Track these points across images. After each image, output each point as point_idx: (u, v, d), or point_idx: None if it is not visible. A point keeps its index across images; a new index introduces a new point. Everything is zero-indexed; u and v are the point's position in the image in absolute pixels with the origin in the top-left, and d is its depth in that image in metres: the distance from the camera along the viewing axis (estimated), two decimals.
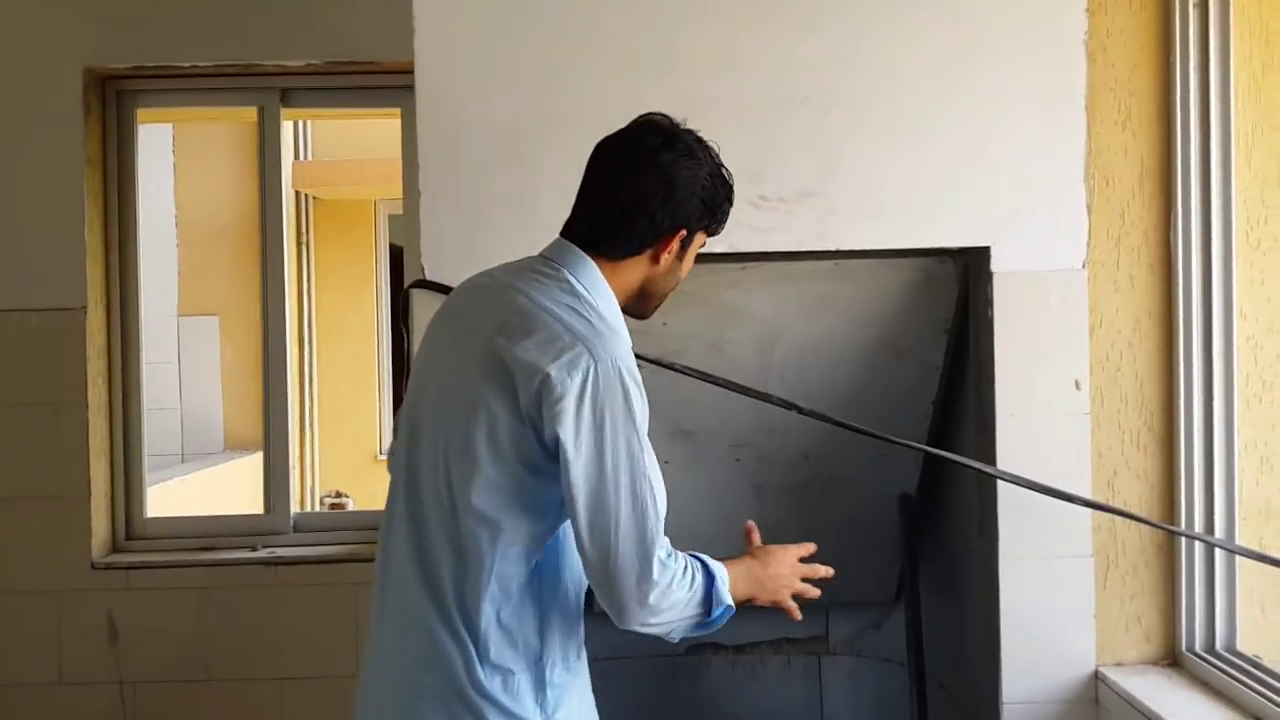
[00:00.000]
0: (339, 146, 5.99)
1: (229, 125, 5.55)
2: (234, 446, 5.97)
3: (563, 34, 2.21)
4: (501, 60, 2.20)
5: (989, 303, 2.29)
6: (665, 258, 1.69)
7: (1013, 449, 2.26)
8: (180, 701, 3.32)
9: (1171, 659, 2.32)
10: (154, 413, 6.02)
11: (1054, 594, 2.27)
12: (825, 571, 1.73)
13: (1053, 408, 2.26)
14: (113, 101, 3.34)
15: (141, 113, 3.39)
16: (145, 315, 5.94)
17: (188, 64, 3.24)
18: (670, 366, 2.27)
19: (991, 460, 2.27)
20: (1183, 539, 2.28)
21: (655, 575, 1.53)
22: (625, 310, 1.72)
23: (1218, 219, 2.26)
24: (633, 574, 1.52)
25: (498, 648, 1.57)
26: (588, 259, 1.66)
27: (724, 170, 1.73)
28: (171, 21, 3.19)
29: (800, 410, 2.25)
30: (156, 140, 5.82)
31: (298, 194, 5.81)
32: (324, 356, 5.99)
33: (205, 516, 3.60)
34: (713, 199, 1.70)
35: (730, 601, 1.60)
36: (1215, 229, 2.26)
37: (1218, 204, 2.26)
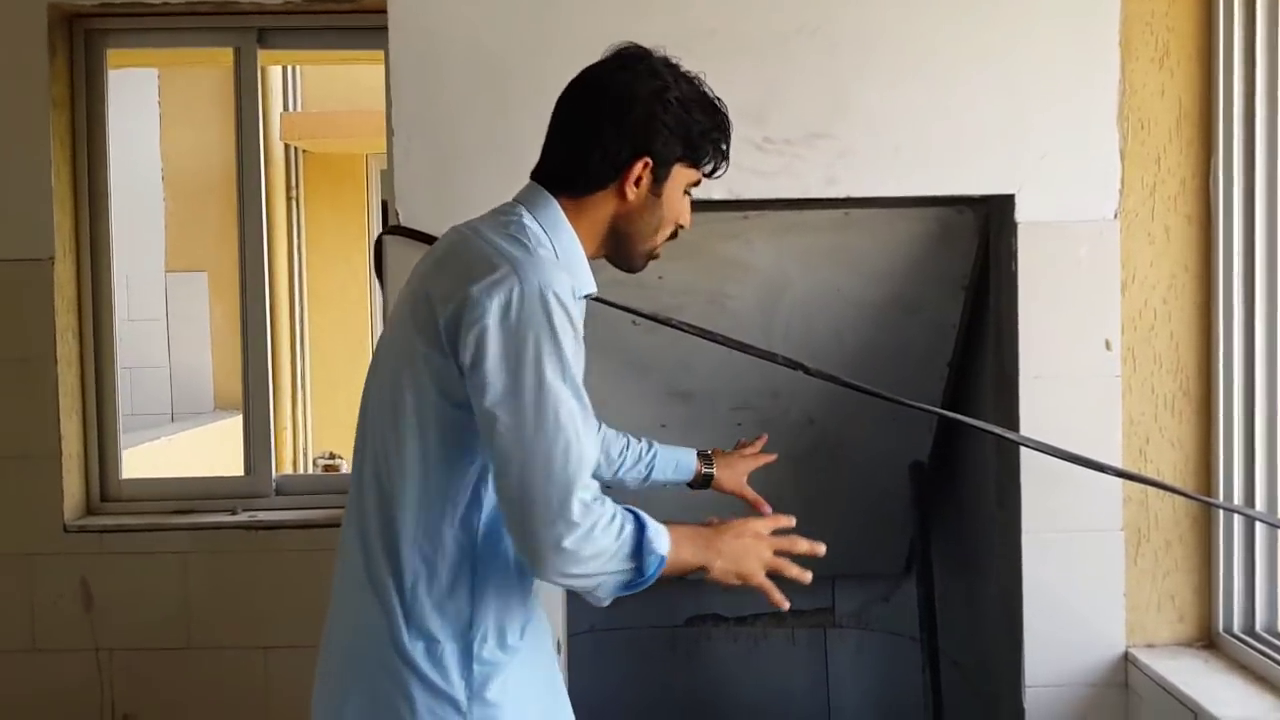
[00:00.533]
0: (330, 98, 5.78)
1: (217, 75, 5.35)
2: (224, 406, 5.83)
3: None
4: None
5: (1013, 256, 2.11)
6: (633, 191, 1.53)
7: (1038, 414, 2.09)
8: (160, 669, 3.19)
9: (1207, 640, 2.17)
10: (142, 371, 5.96)
11: (1081, 570, 2.12)
12: (807, 547, 1.48)
13: (1081, 370, 2.10)
14: (80, 41, 3.15)
15: (112, 54, 3.19)
16: (131, 271, 5.90)
17: (159, 1, 3.04)
18: (666, 322, 2.10)
19: (1014, 426, 2.10)
20: (1220, 512, 2.13)
21: (575, 517, 1.35)
22: (610, 259, 1.59)
23: (1261, 166, 2.08)
24: (549, 515, 1.36)
25: (423, 612, 1.46)
26: (550, 198, 1.55)
27: (708, 97, 1.56)
28: None
29: (807, 370, 2.08)
30: (142, 90, 5.64)
31: (286, 147, 5.62)
32: (316, 314, 5.83)
33: (183, 478, 3.45)
34: (685, 125, 1.53)
35: (663, 551, 1.39)
36: (1259, 177, 2.09)
37: (1262, 150, 2.08)
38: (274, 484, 3.33)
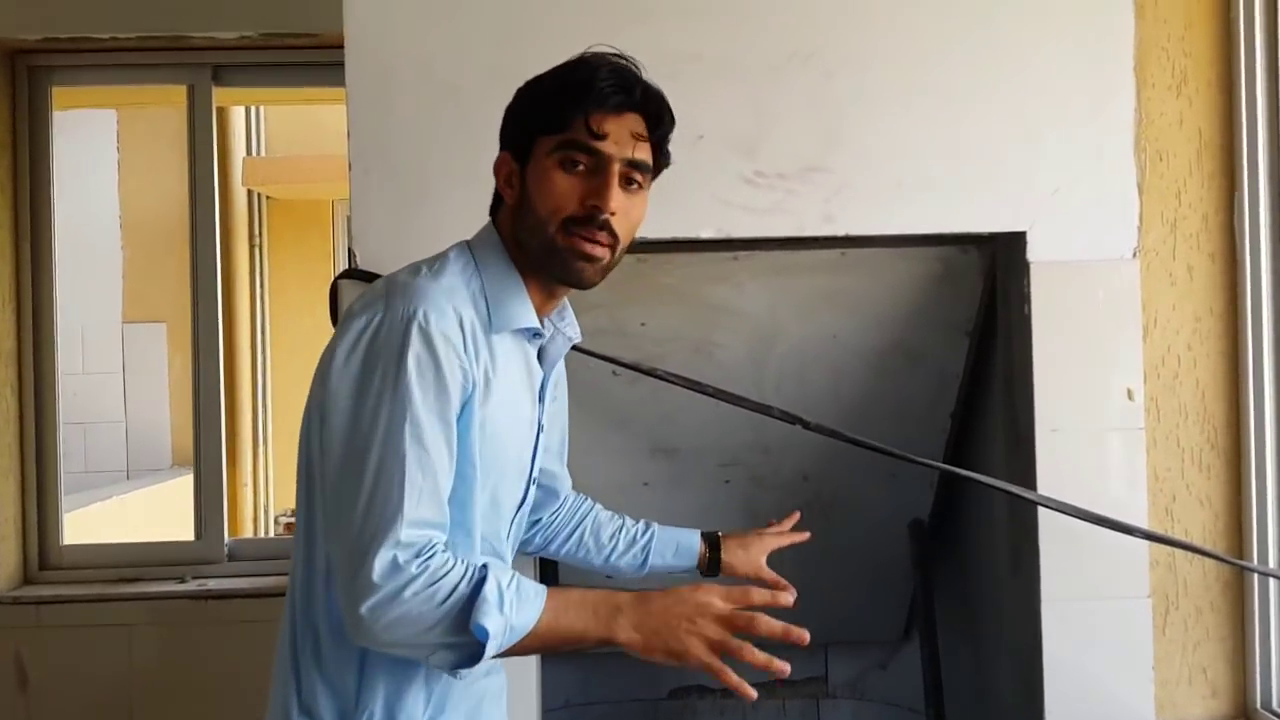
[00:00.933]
0: (294, 142, 5.62)
1: (178, 116, 5.16)
2: (183, 462, 5.59)
3: None
4: (444, 12, 1.85)
5: (1025, 299, 1.94)
6: (509, 191, 1.40)
7: (1056, 470, 1.91)
8: None
9: (1243, 717, 2.00)
10: (97, 426, 5.71)
11: (1105, 641, 1.93)
12: (778, 630, 1.23)
13: (1102, 422, 1.93)
14: (24, 78, 2.98)
15: (58, 92, 3.03)
16: (87, 321, 5.69)
17: (106, 36, 2.88)
18: (650, 373, 1.92)
19: (1030, 483, 1.93)
20: (1255, 576, 1.95)
21: (375, 577, 1.17)
22: (545, 277, 1.40)
23: None
24: (347, 573, 1.20)
25: (312, 687, 1.32)
26: (490, 225, 1.44)
27: (573, 60, 1.39)
28: None
29: (806, 425, 1.90)
30: (99, 132, 5.46)
31: (249, 193, 5.43)
32: (279, 366, 5.62)
33: (129, 544, 3.23)
34: (530, 96, 1.39)
35: (489, 624, 1.18)
36: None
37: None
38: (227, 549, 3.12)
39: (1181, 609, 1.97)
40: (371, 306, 1.29)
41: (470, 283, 1.35)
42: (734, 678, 1.21)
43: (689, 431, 2.32)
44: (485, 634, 1.17)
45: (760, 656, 1.21)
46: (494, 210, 1.44)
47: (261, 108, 5.50)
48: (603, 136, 1.32)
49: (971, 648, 2.50)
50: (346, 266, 1.89)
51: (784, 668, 1.20)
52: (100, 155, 5.54)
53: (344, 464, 1.24)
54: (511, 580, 1.22)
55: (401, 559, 1.18)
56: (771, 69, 1.91)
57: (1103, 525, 1.85)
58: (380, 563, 1.17)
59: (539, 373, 1.45)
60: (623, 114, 1.34)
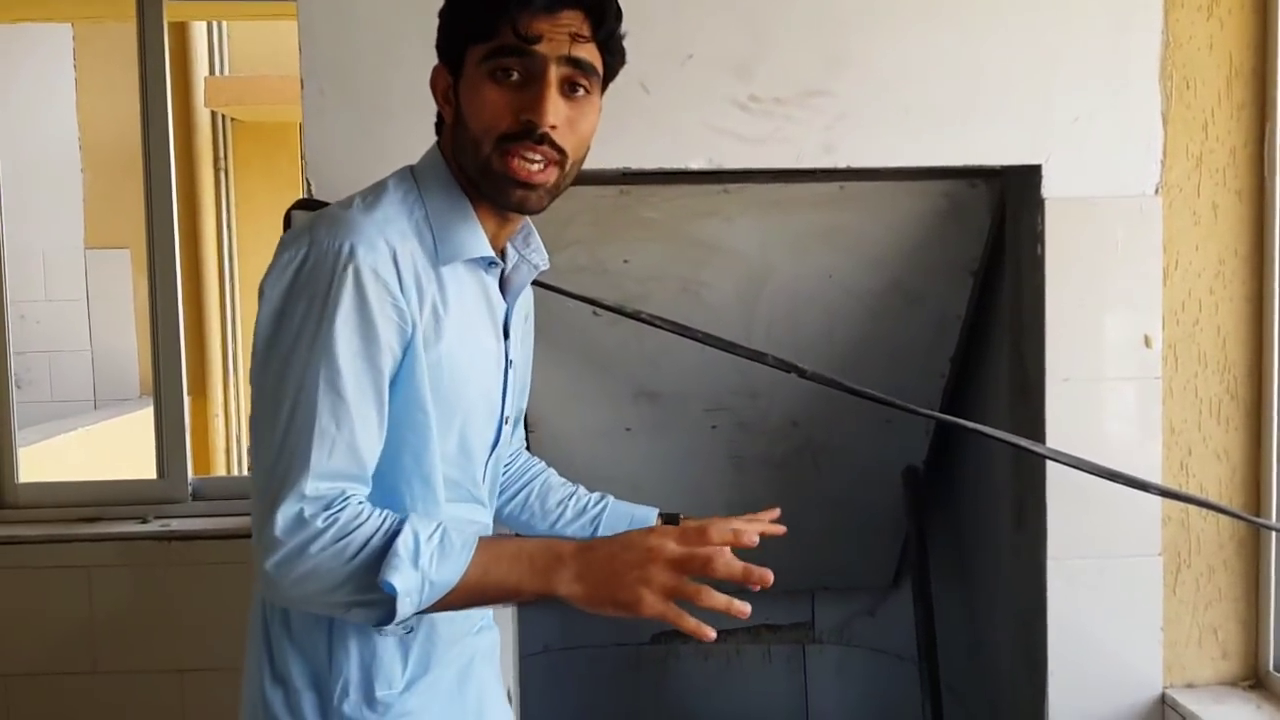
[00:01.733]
0: (261, 61, 5.36)
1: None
2: (151, 392, 5.44)
3: None
4: None
5: (1037, 238, 1.81)
6: (447, 108, 1.25)
7: (1066, 422, 1.80)
8: (63, 697, 2.88)
9: (1254, 679, 1.91)
10: (61, 355, 5.54)
11: (1113, 601, 1.84)
12: (736, 572, 1.09)
13: (1117, 371, 1.81)
14: None
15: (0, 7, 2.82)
16: (48, 247, 5.48)
17: None
18: (634, 316, 1.78)
19: (1038, 435, 1.81)
20: (1271, 534, 1.85)
21: (279, 531, 1.08)
22: (484, 197, 1.24)
23: None
24: (258, 522, 1.11)
25: (283, 653, 1.24)
26: (435, 149, 1.29)
27: None
28: None
29: (802, 373, 1.78)
30: (56, 50, 5.20)
31: (213, 114, 5.20)
32: (249, 294, 5.44)
33: (88, 482, 3.09)
34: (457, 2, 1.23)
35: (400, 583, 1.07)
36: None
37: None
38: (190, 488, 2.99)
39: (1193, 567, 1.87)
40: (297, 240, 1.17)
41: (413, 211, 1.22)
42: (690, 622, 1.08)
43: (673, 375, 2.20)
44: (394, 590, 1.07)
45: (719, 599, 1.07)
46: (438, 130, 1.29)
47: (224, 24, 5.23)
48: (535, 39, 1.15)
49: (964, 599, 2.41)
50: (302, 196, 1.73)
51: (744, 609, 1.07)
52: (58, 74, 5.29)
53: (259, 410, 1.14)
54: (435, 532, 1.11)
55: (307, 512, 1.08)
56: None
57: (1115, 480, 1.74)
58: (284, 517, 1.08)
59: (502, 304, 1.31)
60: (557, 12, 1.16)
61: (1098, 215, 1.79)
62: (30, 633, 2.84)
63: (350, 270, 1.12)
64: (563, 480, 1.58)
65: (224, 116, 5.35)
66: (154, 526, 2.88)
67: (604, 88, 1.25)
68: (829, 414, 2.25)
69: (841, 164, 1.77)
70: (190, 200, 5.11)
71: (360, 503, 1.12)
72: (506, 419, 1.35)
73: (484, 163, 1.18)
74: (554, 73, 1.16)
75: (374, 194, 1.22)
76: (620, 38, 1.24)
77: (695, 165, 1.75)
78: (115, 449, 4.65)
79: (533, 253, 1.34)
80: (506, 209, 1.23)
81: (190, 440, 4.83)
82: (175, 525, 2.88)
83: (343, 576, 1.09)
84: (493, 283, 1.29)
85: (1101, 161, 1.79)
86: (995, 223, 1.99)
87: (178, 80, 5.01)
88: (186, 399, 3.01)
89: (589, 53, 1.19)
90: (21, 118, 4.97)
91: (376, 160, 1.60)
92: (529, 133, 1.16)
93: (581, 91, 1.20)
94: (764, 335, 2.09)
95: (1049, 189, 1.79)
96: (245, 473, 5.33)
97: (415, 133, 1.62)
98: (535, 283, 1.41)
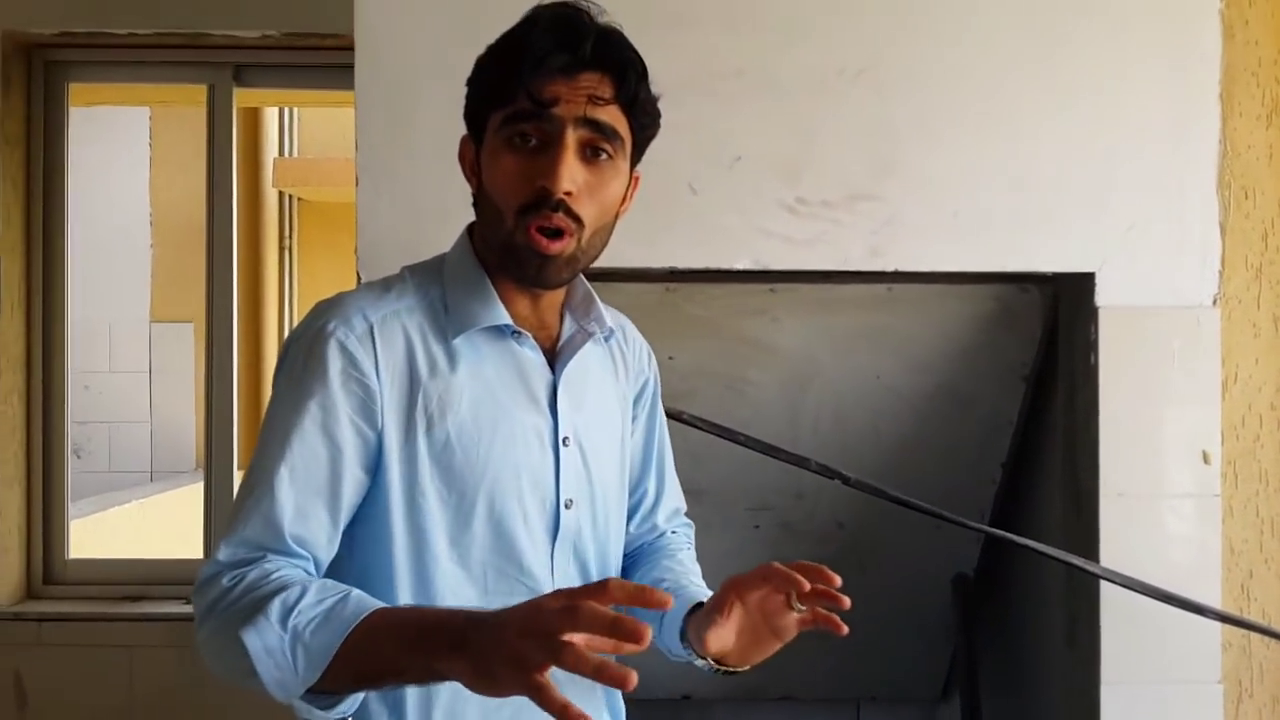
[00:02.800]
0: (328, 144, 5.51)
1: None
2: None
3: None
4: (462, 17, 1.70)
5: (1091, 346, 1.77)
6: (472, 179, 1.23)
7: (1121, 538, 1.74)
8: None
9: None
10: (120, 426, 5.64)
11: None
12: (593, 614, 0.86)
13: (1174, 487, 1.74)
14: (40, 73, 2.87)
15: (75, 89, 2.91)
16: (114, 320, 5.62)
17: (125, 31, 2.77)
18: (675, 416, 1.76)
19: (1092, 550, 1.75)
20: None
21: (197, 583, 1.08)
22: (505, 272, 1.20)
23: None
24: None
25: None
26: (463, 232, 1.29)
27: (526, 17, 1.18)
28: None
29: (846, 480, 1.74)
30: (133, 129, 5.39)
31: (281, 194, 5.34)
32: None
33: (135, 560, 3.11)
34: (477, 70, 1.20)
35: (253, 641, 0.97)
36: None
37: None
38: None
39: (1256, 697, 1.78)
40: (298, 326, 1.21)
41: (428, 290, 1.21)
42: (557, 699, 0.85)
43: (717, 473, 2.16)
44: (246, 646, 0.98)
45: (590, 660, 0.84)
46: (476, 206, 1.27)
47: (295, 109, 5.40)
48: (551, 102, 1.11)
49: (1016, 717, 2.32)
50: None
51: (624, 677, 0.84)
52: (135, 153, 5.48)
53: None
54: (337, 596, 1.01)
55: (214, 576, 1.07)
56: (818, 86, 1.74)
57: (1170, 603, 1.67)
58: (199, 581, 1.08)
59: (545, 376, 1.23)
60: (574, 74, 1.12)
61: (1153, 325, 1.75)
62: (68, 712, 2.84)
63: (317, 345, 1.12)
64: (676, 555, 1.42)
65: (291, 196, 5.49)
66: None
67: (636, 154, 1.21)
68: (876, 517, 2.20)
69: (889, 268, 1.75)
70: (254, 276, 5.23)
71: (274, 564, 1.06)
72: (568, 503, 1.24)
73: (508, 237, 1.15)
74: (571, 136, 1.12)
75: (390, 277, 1.25)
76: (650, 100, 1.19)
77: (741, 265, 1.74)
78: (168, 522, 4.70)
79: (592, 321, 1.27)
80: (525, 284, 1.19)
81: None
82: None
83: (224, 640, 1.01)
84: (530, 354, 1.22)
85: (1157, 270, 1.75)
86: (1048, 328, 1.95)
87: (248, 161, 5.16)
88: (241, 474, 3.03)
89: (610, 115, 1.14)
90: (96, 193, 5.12)
91: (426, 254, 1.61)
92: (545, 200, 1.12)
93: (604, 156, 1.14)
94: (810, 435, 2.06)
95: (1103, 297, 1.75)
96: None
97: (457, 228, 1.64)
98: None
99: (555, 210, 1.12)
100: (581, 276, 1.26)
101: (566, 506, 1.23)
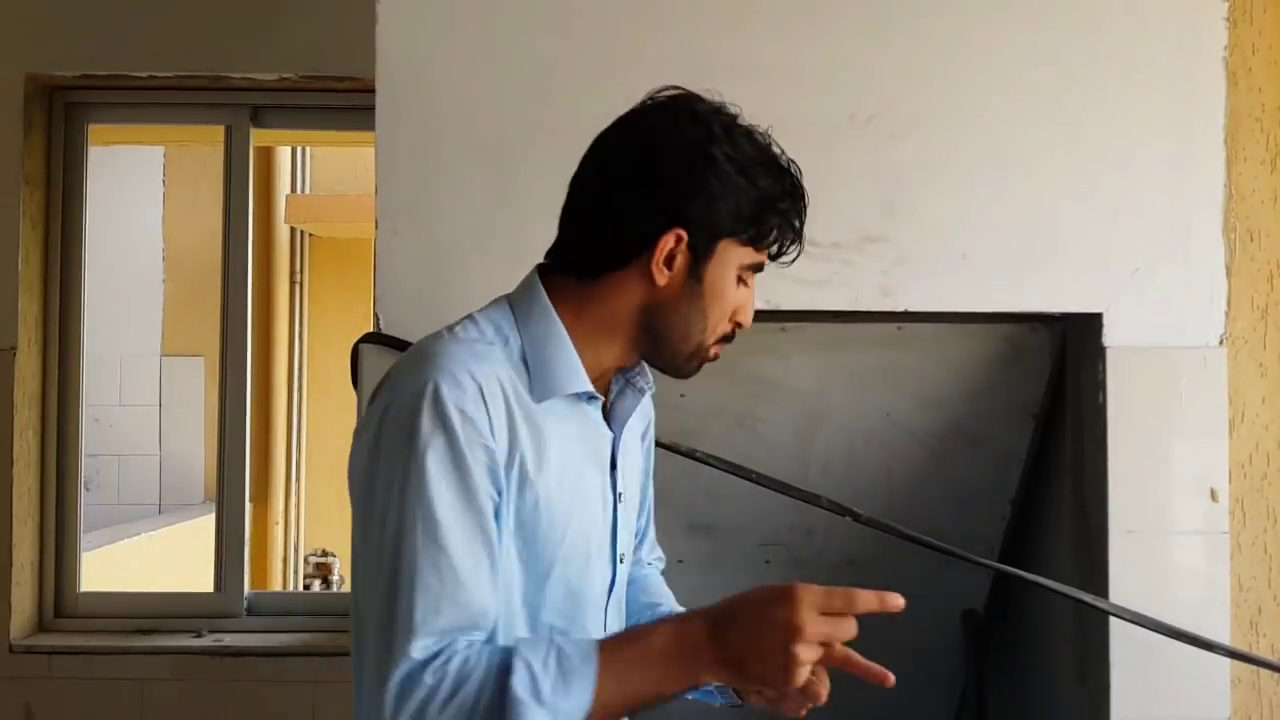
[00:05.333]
0: (341, 180, 5.57)
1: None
2: (215, 498, 5.53)
3: (562, 33, 1.75)
4: (484, 62, 1.75)
5: (1099, 386, 1.79)
6: (663, 273, 1.18)
7: (1130, 574, 1.75)
8: None
9: None
10: (131, 459, 5.67)
11: None
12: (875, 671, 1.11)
13: (1182, 524, 1.76)
14: (60, 115, 2.92)
15: (95, 129, 2.97)
16: (126, 353, 5.66)
17: (144, 74, 2.82)
18: (687, 454, 1.78)
19: (1101, 587, 1.77)
20: None
21: (392, 699, 1.03)
22: (649, 360, 1.27)
23: None
24: (374, 692, 1.06)
25: None
26: (535, 284, 1.23)
27: (772, 153, 1.23)
28: (126, 25, 2.78)
29: (857, 518, 1.76)
30: (148, 167, 5.46)
31: (292, 230, 5.39)
32: (315, 403, 5.55)
33: (146, 594, 3.14)
34: (736, 189, 1.17)
35: (541, 710, 1.01)
36: None
37: None
38: (246, 602, 3.01)
39: None
40: (385, 385, 1.16)
41: (509, 343, 1.18)
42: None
43: (728, 508, 2.18)
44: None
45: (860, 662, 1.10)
46: (564, 262, 1.24)
47: (308, 147, 5.47)
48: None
49: None
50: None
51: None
52: (149, 189, 5.54)
53: (362, 573, 1.12)
54: (549, 656, 1.04)
55: (415, 675, 1.04)
56: (828, 130, 1.78)
57: (1179, 639, 1.68)
58: (395, 684, 1.03)
59: (607, 436, 1.27)
60: None
61: (1160, 365, 1.78)
62: None
63: (435, 411, 1.08)
64: (658, 587, 1.50)
65: (302, 232, 5.55)
66: (207, 641, 2.90)
67: None
68: (887, 553, 2.21)
69: (899, 308, 1.78)
70: (265, 310, 5.27)
71: (464, 645, 1.06)
72: (622, 557, 1.29)
73: (698, 351, 1.24)
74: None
75: (466, 325, 1.20)
76: None
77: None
78: (177, 555, 4.72)
79: (637, 376, 1.30)
80: (671, 373, 1.27)
81: (249, 549, 4.87)
82: (228, 641, 2.89)
83: None
84: (595, 413, 1.25)
85: (1164, 311, 1.78)
86: (1056, 367, 1.98)
87: (261, 197, 5.21)
88: (250, 508, 3.06)
89: None
90: (111, 229, 5.16)
91: (444, 299, 1.65)
92: (735, 334, 1.26)
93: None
94: (820, 472, 2.08)
95: (1110, 337, 1.78)
96: (301, 586, 5.35)
97: (484, 275, 1.67)
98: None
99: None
100: None
101: (621, 561, 1.29)
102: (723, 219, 1.18)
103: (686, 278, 1.19)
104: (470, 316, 1.22)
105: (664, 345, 1.22)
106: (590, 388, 1.21)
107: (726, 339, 1.25)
